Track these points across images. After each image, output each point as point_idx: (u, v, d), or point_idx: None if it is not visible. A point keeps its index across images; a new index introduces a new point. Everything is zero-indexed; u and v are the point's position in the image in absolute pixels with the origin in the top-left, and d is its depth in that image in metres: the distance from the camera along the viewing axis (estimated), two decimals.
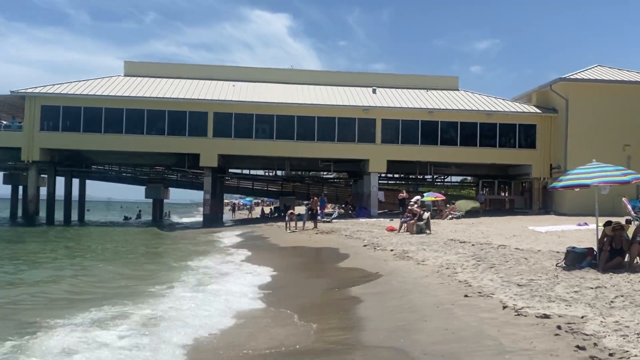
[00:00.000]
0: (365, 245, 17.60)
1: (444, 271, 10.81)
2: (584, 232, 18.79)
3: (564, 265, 10.90)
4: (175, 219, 55.59)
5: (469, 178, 50.86)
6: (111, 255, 20.37)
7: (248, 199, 78.98)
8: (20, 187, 44.64)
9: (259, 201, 78.03)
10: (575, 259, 10.88)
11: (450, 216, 29.97)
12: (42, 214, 40.36)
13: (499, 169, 40.77)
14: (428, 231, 20.47)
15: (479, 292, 8.30)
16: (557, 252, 13.04)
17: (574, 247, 11.46)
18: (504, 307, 7.30)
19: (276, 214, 49.64)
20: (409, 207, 21.49)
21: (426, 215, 20.79)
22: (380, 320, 7.84)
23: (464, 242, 16.66)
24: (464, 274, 10.25)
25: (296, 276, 13.69)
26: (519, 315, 6.91)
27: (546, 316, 6.71)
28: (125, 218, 53.87)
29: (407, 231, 21.22)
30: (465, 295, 8.16)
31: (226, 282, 12.83)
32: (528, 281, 8.98)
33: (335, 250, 18.08)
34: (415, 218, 20.83)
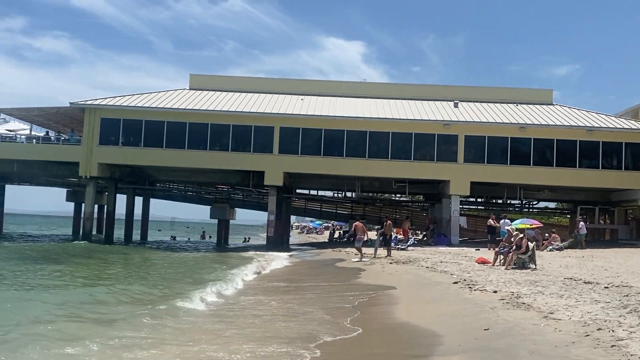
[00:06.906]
0: (455, 282, 13.91)
1: (596, 334, 7.08)
2: None
3: None
4: (238, 242, 53.02)
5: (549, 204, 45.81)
6: None
7: (317, 222, 76.36)
8: (83, 205, 43.54)
9: (330, 224, 75.11)
10: None
11: (549, 247, 25.61)
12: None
13: (600, 194, 35.69)
14: (533, 266, 16.50)
15: None
16: None
17: None
18: None
19: (345, 239, 46.42)
20: (514, 237, 17.53)
21: (530, 246, 16.78)
22: None
23: (589, 282, 12.69)
24: (637, 342, 6.50)
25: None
26: None
27: None
28: (173, 238, 51.85)
29: (504, 265, 17.28)
30: None
31: None
32: None
33: (407, 290, 14.49)
34: (516, 249, 16.87)
